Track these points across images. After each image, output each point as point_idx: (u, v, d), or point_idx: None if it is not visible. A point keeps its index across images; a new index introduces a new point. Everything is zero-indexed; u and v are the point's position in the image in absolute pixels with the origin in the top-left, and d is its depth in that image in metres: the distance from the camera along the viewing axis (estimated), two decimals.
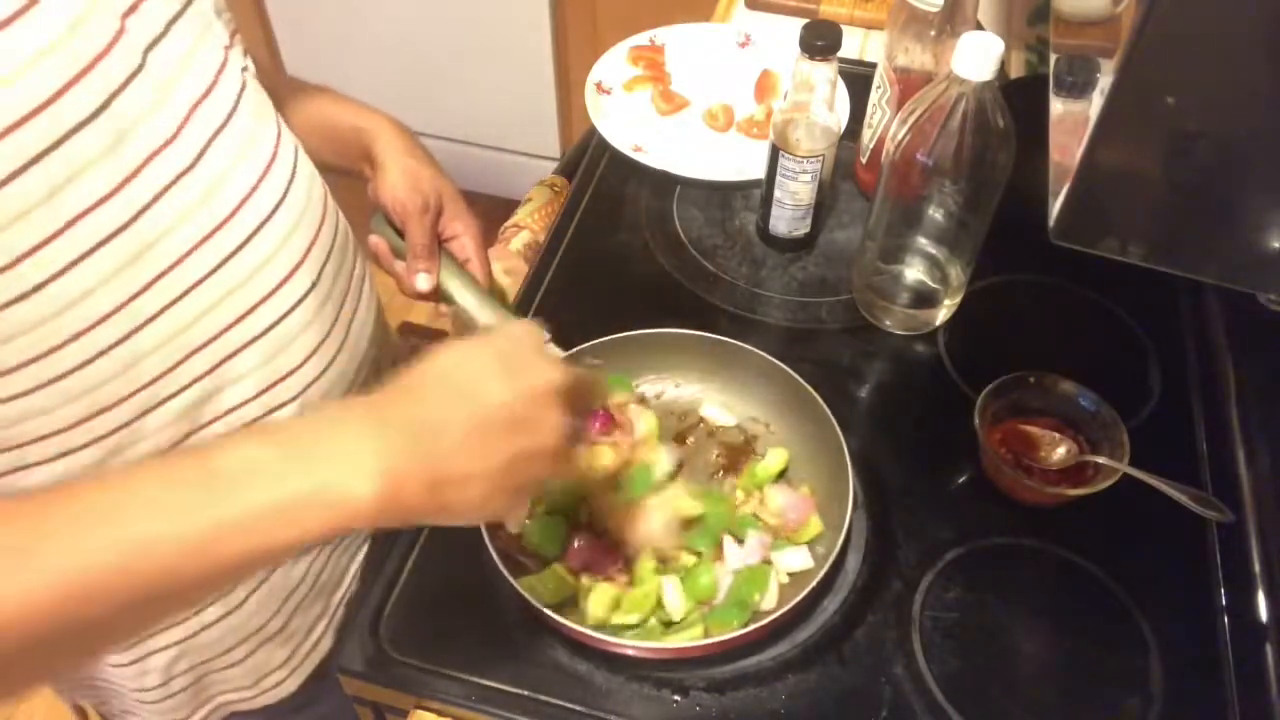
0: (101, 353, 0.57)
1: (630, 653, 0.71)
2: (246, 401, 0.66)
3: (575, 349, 0.83)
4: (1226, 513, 0.76)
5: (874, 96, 0.96)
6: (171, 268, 0.59)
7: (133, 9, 0.55)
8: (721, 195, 1.07)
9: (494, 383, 0.53)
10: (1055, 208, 0.54)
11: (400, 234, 0.79)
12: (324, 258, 0.69)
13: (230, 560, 0.45)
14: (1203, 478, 0.84)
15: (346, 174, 0.82)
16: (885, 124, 0.95)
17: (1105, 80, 0.49)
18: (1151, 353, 0.93)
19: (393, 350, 0.95)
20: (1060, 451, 0.82)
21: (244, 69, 0.65)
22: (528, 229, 1.04)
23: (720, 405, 0.86)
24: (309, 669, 0.84)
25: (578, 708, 0.69)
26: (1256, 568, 0.76)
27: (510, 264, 0.99)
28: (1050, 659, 0.74)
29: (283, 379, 0.67)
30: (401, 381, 0.54)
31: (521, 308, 0.94)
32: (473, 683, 0.70)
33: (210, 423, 0.65)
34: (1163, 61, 0.47)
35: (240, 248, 0.62)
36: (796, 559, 0.76)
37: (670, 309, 0.95)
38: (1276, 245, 0.50)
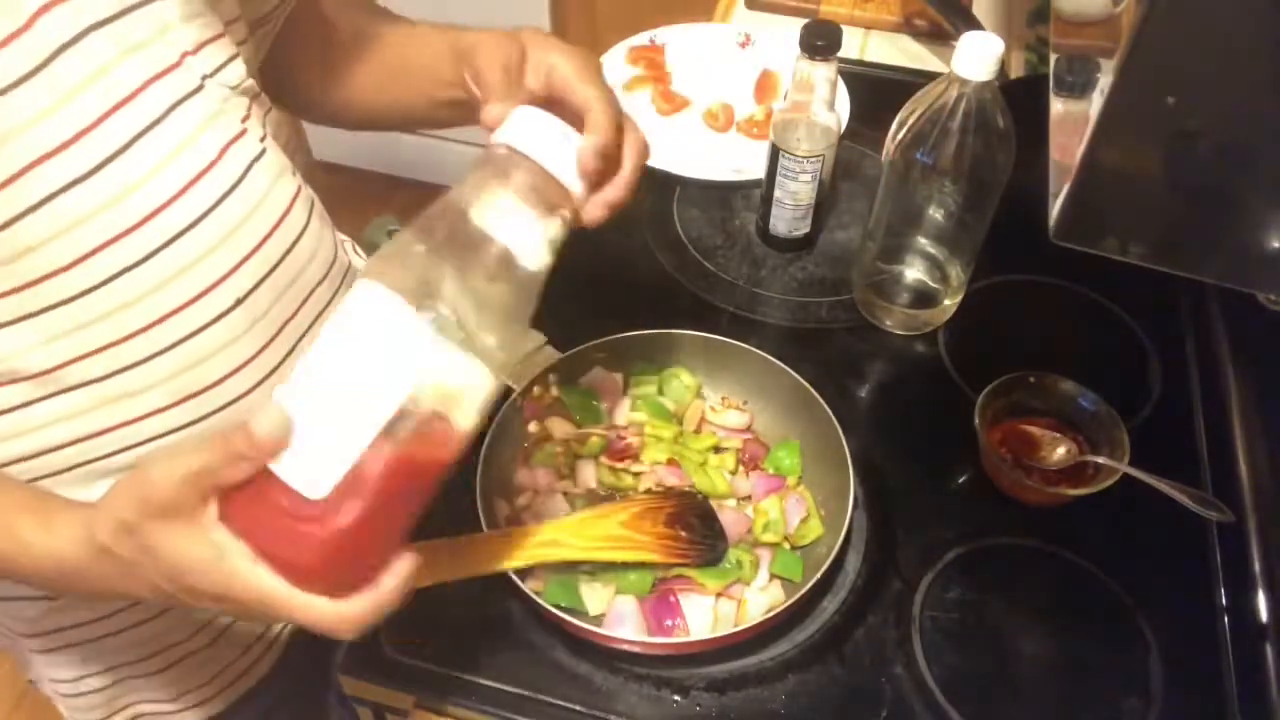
0: None
1: (635, 649, 0.71)
2: (156, 411, 0.63)
3: (576, 349, 0.83)
4: (1226, 513, 0.76)
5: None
6: (61, 270, 0.56)
7: (45, 8, 0.52)
8: (721, 195, 1.07)
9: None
10: (1055, 208, 0.54)
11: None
12: (261, 275, 0.65)
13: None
14: (1203, 478, 0.84)
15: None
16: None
17: (1105, 80, 0.49)
18: (1151, 353, 0.93)
19: None
20: (1060, 451, 0.82)
21: (205, 75, 0.61)
22: None
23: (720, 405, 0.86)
24: (236, 694, 0.82)
25: (578, 708, 0.70)
26: (1256, 568, 0.76)
27: None
28: (1050, 659, 0.74)
29: (197, 394, 0.64)
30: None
31: None
32: (473, 683, 0.71)
33: (116, 427, 0.63)
34: (1163, 61, 0.47)
35: (151, 255, 0.59)
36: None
37: (670, 309, 0.95)
38: (1276, 245, 0.50)
